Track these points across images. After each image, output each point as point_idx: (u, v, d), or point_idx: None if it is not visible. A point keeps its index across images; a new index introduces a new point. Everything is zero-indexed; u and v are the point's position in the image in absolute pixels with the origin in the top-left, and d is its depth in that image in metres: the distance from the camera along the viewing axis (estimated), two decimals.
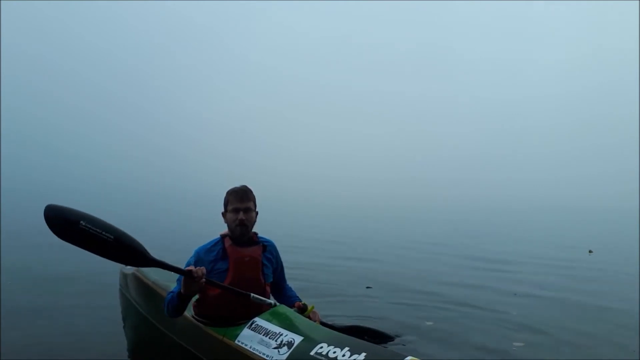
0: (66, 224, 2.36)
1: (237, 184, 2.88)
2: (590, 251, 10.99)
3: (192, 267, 2.49)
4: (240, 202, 2.73)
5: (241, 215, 2.71)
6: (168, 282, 3.56)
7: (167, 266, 2.50)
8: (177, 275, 2.96)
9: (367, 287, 5.82)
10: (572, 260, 9.58)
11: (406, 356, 1.99)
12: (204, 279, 2.50)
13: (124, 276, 4.65)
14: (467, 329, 4.09)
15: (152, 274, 3.84)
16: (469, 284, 6.44)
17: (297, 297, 3.04)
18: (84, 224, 2.34)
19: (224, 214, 2.81)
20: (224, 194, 2.83)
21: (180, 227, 14.63)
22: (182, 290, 2.55)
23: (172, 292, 2.75)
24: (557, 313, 4.84)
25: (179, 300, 2.62)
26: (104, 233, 2.37)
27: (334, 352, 2.10)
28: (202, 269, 2.50)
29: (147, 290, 3.74)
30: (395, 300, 5.14)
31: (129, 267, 4.77)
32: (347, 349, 2.09)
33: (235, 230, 2.74)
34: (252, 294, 2.59)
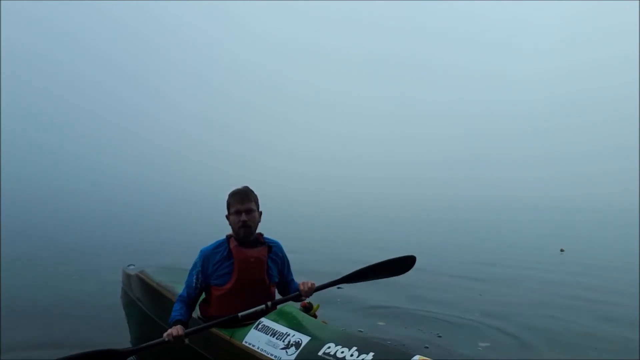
0: None
1: (237, 185, 2.86)
2: (561, 250, 11.01)
3: (169, 334, 2.44)
4: (241, 203, 2.71)
5: (243, 217, 2.68)
6: (173, 282, 3.59)
7: (145, 348, 2.41)
8: (182, 276, 2.97)
9: (338, 287, 5.77)
10: (543, 259, 9.66)
11: (414, 355, 1.99)
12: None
13: (127, 276, 4.66)
14: (430, 328, 4.08)
15: (157, 276, 3.86)
16: (438, 282, 6.46)
17: None
18: None
19: (227, 217, 2.79)
20: (225, 195, 2.82)
21: (181, 228, 14.67)
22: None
23: (180, 297, 2.77)
24: (523, 312, 4.85)
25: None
26: None
27: (342, 352, 2.09)
28: (179, 332, 2.45)
29: (152, 292, 3.76)
30: (358, 300, 5.12)
31: (131, 267, 4.82)
32: (354, 348, 2.09)
33: (239, 232, 2.72)
34: (239, 314, 2.55)
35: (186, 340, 2.47)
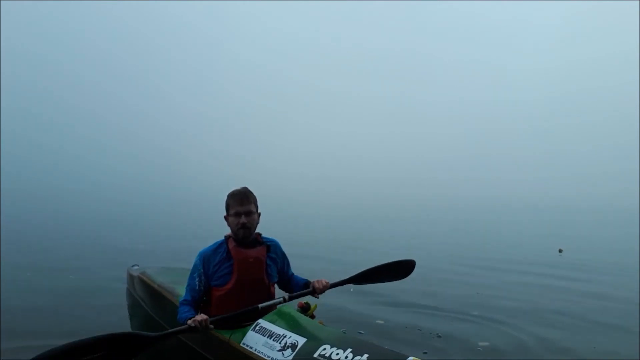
0: None
1: (237, 185, 2.89)
2: (560, 250, 11.00)
3: (194, 320, 2.47)
4: (240, 205, 2.74)
5: (243, 219, 2.71)
6: (173, 284, 3.62)
7: (171, 334, 2.43)
8: (183, 277, 2.97)
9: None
10: (542, 259, 9.67)
11: (408, 357, 2.03)
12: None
13: (131, 277, 4.74)
14: (430, 328, 4.10)
15: (158, 277, 3.92)
16: (438, 282, 6.49)
17: (306, 279, 3.01)
18: None
19: (226, 218, 2.82)
20: (225, 195, 2.84)
21: (182, 228, 14.68)
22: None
23: (184, 301, 2.76)
24: (523, 313, 4.87)
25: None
26: (93, 355, 2.16)
27: (337, 354, 2.13)
28: (203, 317, 2.48)
29: (154, 293, 3.82)
30: (357, 299, 5.14)
31: (135, 268, 4.88)
32: (349, 350, 2.13)
33: (238, 234, 2.76)
34: (259, 305, 2.61)
35: (211, 327, 2.50)
